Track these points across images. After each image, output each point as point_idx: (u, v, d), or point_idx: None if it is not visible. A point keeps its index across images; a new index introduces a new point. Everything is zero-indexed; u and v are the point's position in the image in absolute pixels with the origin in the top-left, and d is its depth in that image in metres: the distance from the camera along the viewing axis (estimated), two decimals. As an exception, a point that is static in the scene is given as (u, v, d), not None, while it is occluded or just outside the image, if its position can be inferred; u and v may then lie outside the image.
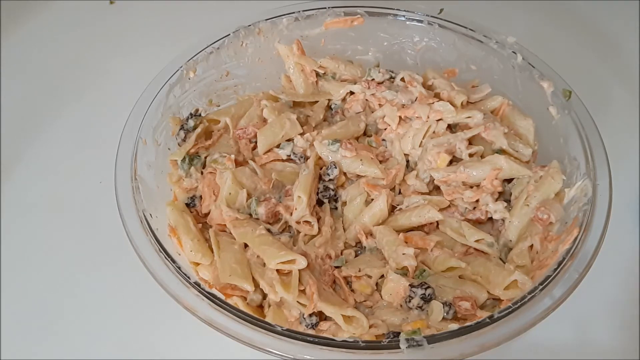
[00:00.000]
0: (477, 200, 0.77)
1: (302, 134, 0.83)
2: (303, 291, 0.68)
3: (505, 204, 0.77)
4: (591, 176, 0.72)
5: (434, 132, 0.83)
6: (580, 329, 0.80)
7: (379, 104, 0.88)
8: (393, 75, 0.90)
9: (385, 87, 0.88)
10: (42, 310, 0.81)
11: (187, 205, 0.80)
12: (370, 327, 0.66)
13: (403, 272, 0.71)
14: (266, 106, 0.86)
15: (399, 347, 0.59)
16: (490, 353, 0.60)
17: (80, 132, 1.02)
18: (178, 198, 0.81)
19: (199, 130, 0.84)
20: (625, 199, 0.92)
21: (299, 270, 0.69)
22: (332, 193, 0.80)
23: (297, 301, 0.67)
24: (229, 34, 0.90)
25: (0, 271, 0.84)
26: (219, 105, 0.93)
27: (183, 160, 0.81)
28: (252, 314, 0.63)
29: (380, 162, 0.83)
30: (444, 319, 0.67)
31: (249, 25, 0.91)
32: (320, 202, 0.80)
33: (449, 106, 0.82)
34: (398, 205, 0.80)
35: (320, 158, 0.82)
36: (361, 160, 0.80)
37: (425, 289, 0.68)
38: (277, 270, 0.70)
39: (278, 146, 0.83)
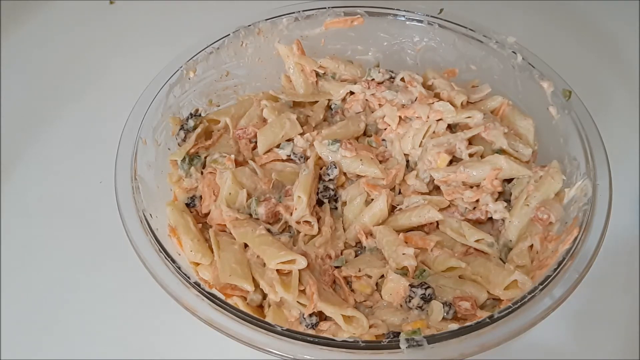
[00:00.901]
0: (477, 200, 0.77)
1: (302, 134, 0.83)
2: (303, 291, 0.68)
3: (505, 204, 0.77)
4: (591, 176, 0.72)
5: (434, 132, 0.83)
6: (580, 329, 0.79)
7: (379, 104, 0.88)
8: (393, 75, 0.90)
9: (385, 87, 0.88)
10: (42, 310, 0.81)
11: (187, 205, 0.80)
12: (370, 327, 0.66)
13: (403, 272, 0.71)
14: (266, 106, 0.86)
15: (399, 347, 0.59)
16: (490, 353, 0.60)
17: (80, 132, 1.02)
18: (178, 198, 0.81)
19: (199, 130, 0.84)
20: (625, 199, 0.92)
21: (299, 270, 0.69)
22: (332, 193, 0.80)
23: (297, 301, 0.67)
24: (229, 34, 0.90)
25: (0, 271, 0.84)
26: (219, 105, 0.93)
27: (183, 160, 0.81)
28: (252, 314, 0.63)
29: (380, 162, 0.83)
30: (444, 319, 0.67)
31: (249, 25, 0.91)
32: (320, 202, 0.80)
33: (449, 106, 0.82)
34: (398, 205, 0.80)
35: (320, 158, 0.82)
36: (361, 160, 0.80)
37: (425, 289, 0.68)
38: (277, 270, 0.70)
39: (278, 146, 0.83)
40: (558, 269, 0.64)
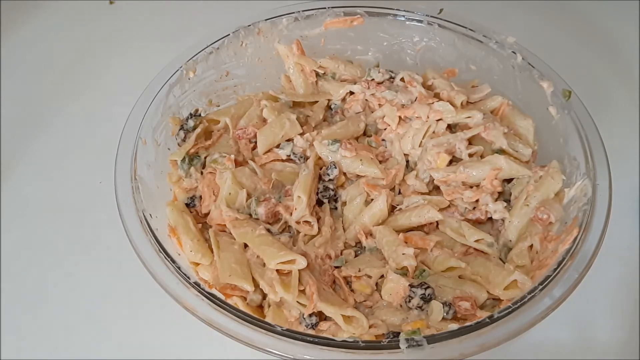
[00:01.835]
0: (477, 200, 0.77)
1: (302, 134, 0.83)
2: (303, 291, 0.68)
3: (505, 204, 0.77)
4: (591, 176, 0.72)
5: (433, 132, 0.83)
6: (580, 329, 0.80)
7: (379, 104, 0.88)
8: (393, 75, 0.90)
9: (385, 87, 0.88)
10: (41, 310, 0.81)
11: (187, 205, 0.80)
12: (370, 327, 0.66)
13: (403, 272, 0.71)
14: (266, 106, 0.86)
15: (399, 347, 0.59)
16: (490, 353, 0.60)
17: (80, 132, 1.03)
18: (178, 198, 0.81)
19: (198, 130, 0.84)
20: (625, 199, 0.92)
21: (299, 270, 0.69)
22: (332, 193, 0.80)
23: (297, 301, 0.67)
24: (229, 34, 0.90)
25: (0, 271, 0.84)
26: (218, 105, 0.93)
27: (183, 160, 0.81)
28: (252, 314, 0.63)
29: (380, 162, 0.83)
30: (443, 319, 0.67)
31: (249, 25, 0.91)
32: (320, 202, 0.80)
33: (448, 106, 0.82)
34: (398, 205, 0.80)
35: (320, 158, 0.82)
36: (361, 160, 0.80)
37: (425, 289, 0.68)
38: (277, 270, 0.70)
39: (278, 146, 0.83)
40: (558, 269, 0.64)
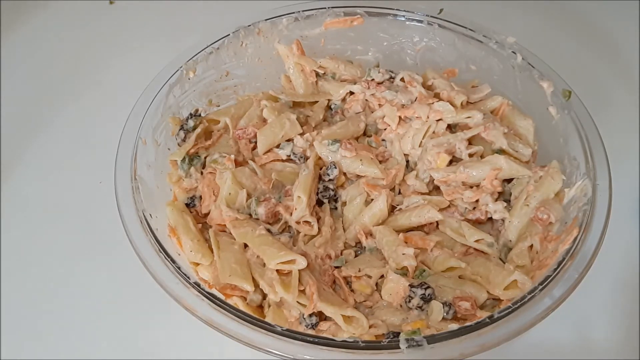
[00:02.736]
0: (477, 200, 0.77)
1: (302, 134, 0.83)
2: (303, 291, 0.68)
3: (505, 204, 0.77)
4: (591, 176, 0.72)
5: (433, 132, 0.83)
6: (580, 329, 0.80)
7: (379, 104, 0.88)
8: (393, 75, 0.90)
9: (385, 87, 0.88)
10: (41, 310, 0.81)
11: (187, 205, 0.80)
12: (370, 327, 0.66)
13: (403, 272, 0.71)
14: (266, 106, 0.86)
15: (399, 347, 0.59)
16: (490, 353, 0.60)
17: (80, 132, 1.02)
18: (178, 198, 0.81)
19: (198, 130, 0.84)
20: (625, 199, 0.92)
21: (299, 270, 0.69)
22: (332, 193, 0.80)
23: (297, 301, 0.67)
24: (229, 34, 0.90)
25: (0, 271, 0.84)
26: (218, 106, 0.93)
27: (183, 160, 0.81)
28: (252, 314, 0.63)
29: (380, 162, 0.83)
30: (443, 319, 0.67)
31: (249, 25, 0.91)
32: (320, 202, 0.80)
33: (448, 106, 0.82)
34: (398, 205, 0.80)
35: (320, 158, 0.82)
36: (361, 160, 0.80)
37: (425, 289, 0.68)
38: (277, 271, 0.70)
39: (278, 146, 0.83)
40: (558, 269, 0.64)
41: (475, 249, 0.75)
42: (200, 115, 0.87)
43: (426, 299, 0.68)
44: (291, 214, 0.76)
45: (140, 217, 0.70)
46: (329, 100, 0.92)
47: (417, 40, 0.96)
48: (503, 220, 0.77)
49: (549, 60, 0.87)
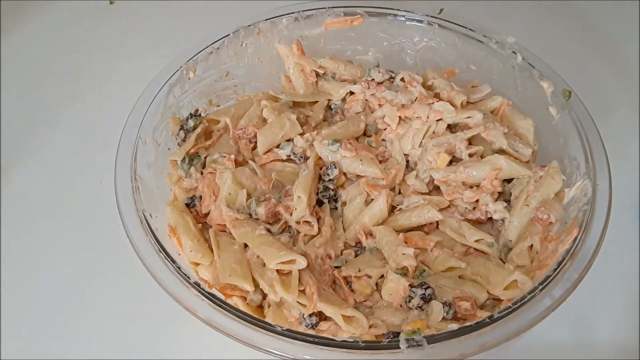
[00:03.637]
0: (477, 200, 0.77)
1: (302, 134, 0.83)
2: (303, 291, 0.68)
3: (505, 204, 0.77)
4: (591, 176, 0.72)
5: (433, 132, 0.83)
6: (580, 329, 0.80)
7: (379, 104, 0.88)
8: (393, 75, 0.90)
9: (385, 87, 0.88)
10: (41, 310, 0.81)
11: (187, 205, 0.80)
12: (370, 327, 0.66)
13: (403, 272, 0.71)
14: (266, 106, 0.86)
15: (399, 347, 0.59)
16: (490, 353, 0.60)
17: (80, 132, 1.02)
18: (178, 198, 0.81)
19: (198, 130, 0.84)
20: (625, 199, 0.92)
21: (299, 270, 0.69)
22: (332, 193, 0.80)
23: (297, 301, 0.67)
24: (229, 34, 0.90)
25: (0, 271, 0.84)
26: (218, 105, 0.93)
27: (183, 160, 0.81)
28: (252, 314, 0.63)
29: (380, 162, 0.83)
30: (443, 319, 0.67)
31: (249, 25, 0.91)
32: (320, 202, 0.80)
33: (448, 106, 0.82)
34: (398, 205, 0.80)
35: (320, 158, 0.82)
36: (361, 160, 0.80)
37: (425, 289, 0.68)
38: (277, 271, 0.70)
39: (278, 146, 0.83)
40: (558, 269, 0.64)
41: (475, 249, 0.75)
42: (200, 115, 0.87)
43: (426, 299, 0.68)
44: (291, 214, 0.76)
45: (140, 217, 0.70)
46: (329, 100, 0.92)
47: (417, 40, 0.96)
48: (503, 220, 0.77)
49: (549, 60, 0.87)
